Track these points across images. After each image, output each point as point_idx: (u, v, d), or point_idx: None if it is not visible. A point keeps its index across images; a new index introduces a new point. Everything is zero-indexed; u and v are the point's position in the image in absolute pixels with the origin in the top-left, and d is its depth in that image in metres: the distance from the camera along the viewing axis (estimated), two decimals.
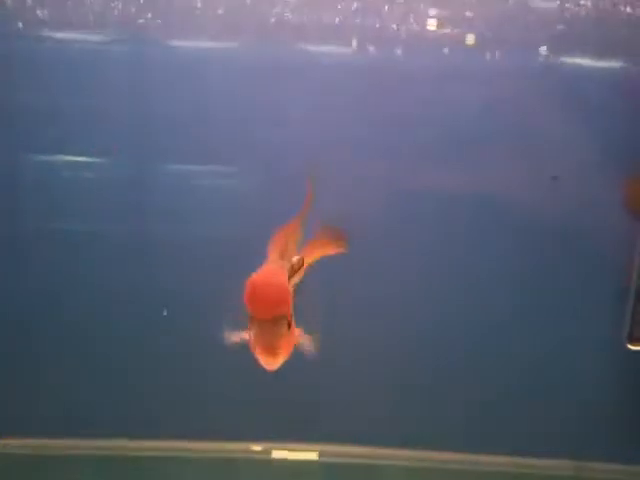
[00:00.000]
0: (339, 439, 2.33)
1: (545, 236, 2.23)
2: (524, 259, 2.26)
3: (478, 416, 2.30)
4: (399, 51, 2.19)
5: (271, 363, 1.31)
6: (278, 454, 2.33)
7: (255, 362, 2.22)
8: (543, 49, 2.17)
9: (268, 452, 2.34)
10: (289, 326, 1.29)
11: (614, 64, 2.20)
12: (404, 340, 2.26)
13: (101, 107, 2.18)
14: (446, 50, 2.16)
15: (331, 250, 1.61)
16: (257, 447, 2.35)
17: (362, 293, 2.22)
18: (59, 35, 2.15)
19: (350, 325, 2.21)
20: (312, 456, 2.33)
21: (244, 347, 2.21)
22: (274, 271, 1.35)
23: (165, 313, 2.25)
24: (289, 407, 2.28)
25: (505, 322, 2.26)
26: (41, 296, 2.28)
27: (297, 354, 2.19)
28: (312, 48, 2.18)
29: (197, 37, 2.18)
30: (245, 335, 1.36)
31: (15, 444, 2.34)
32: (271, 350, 1.28)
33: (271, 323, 1.26)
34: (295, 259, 1.43)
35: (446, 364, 2.29)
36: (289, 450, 2.33)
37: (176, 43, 2.19)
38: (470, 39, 2.15)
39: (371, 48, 2.18)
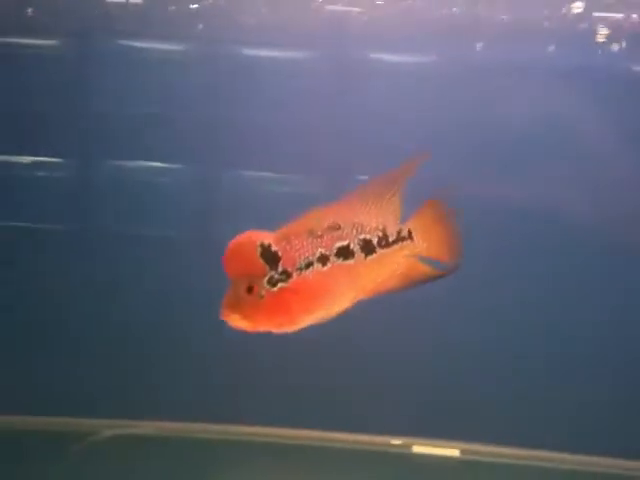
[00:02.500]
0: (483, 438, 2.32)
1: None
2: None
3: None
4: None
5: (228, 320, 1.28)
6: (419, 449, 2.34)
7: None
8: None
9: (408, 447, 2.36)
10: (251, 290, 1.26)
11: None
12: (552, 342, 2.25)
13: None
14: None
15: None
16: (397, 441, 2.37)
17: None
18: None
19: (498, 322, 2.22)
20: (454, 453, 2.33)
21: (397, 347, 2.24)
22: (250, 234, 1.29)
23: None
24: (433, 405, 2.29)
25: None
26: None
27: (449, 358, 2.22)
28: None
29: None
30: None
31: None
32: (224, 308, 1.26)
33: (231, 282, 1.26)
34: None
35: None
36: (431, 446, 2.34)
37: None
38: None
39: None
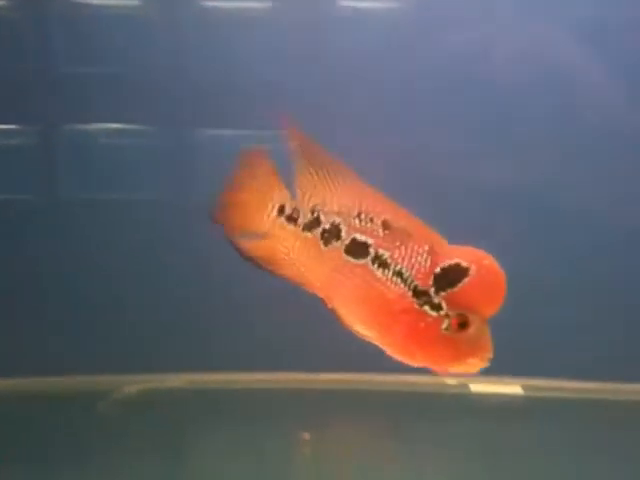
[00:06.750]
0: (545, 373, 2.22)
1: None
2: None
3: None
4: None
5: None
6: (476, 388, 2.24)
7: None
8: None
9: (465, 387, 2.26)
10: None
11: None
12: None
13: None
14: None
15: None
16: (452, 381, 2.27)
17: None
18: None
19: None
20: (516, 390, 2.24)
21: None
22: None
23: None
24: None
25: None
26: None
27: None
28: None
29: None
30: None
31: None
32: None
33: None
34: None
35: None
36: (490, 384, 2.24)
37: None
38: None
39: None
